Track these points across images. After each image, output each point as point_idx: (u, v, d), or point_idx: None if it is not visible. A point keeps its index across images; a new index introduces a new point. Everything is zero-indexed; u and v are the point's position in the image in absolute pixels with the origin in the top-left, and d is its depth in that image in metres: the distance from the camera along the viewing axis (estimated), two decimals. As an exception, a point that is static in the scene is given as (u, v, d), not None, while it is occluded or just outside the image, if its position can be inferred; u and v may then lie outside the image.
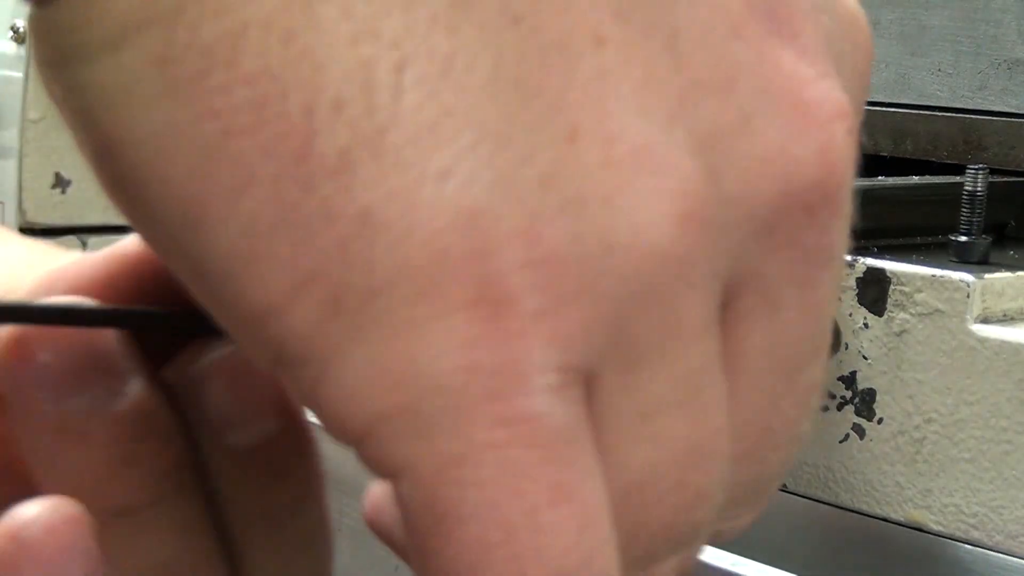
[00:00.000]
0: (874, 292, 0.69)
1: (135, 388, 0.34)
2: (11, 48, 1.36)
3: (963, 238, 0.71)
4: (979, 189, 0.71)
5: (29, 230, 1.31)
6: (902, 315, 0.68)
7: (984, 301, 0.67)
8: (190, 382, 0.34)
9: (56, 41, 0.26)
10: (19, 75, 1.33)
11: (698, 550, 0.29)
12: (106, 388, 0.34)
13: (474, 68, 0.25)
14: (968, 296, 0.66)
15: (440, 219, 0.25)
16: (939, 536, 0.68)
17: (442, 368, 0.25)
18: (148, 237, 0.27)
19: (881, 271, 0.69)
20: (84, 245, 1.33)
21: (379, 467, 0.26)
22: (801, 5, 0.28)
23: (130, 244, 0.35)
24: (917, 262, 0.69)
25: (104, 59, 0.25)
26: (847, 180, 0.28)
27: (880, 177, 0.80)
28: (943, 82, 0.88)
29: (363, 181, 0.25)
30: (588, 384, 0.26)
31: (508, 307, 0.25)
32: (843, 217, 0.28)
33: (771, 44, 0.27)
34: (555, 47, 0.26)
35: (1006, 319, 0.67)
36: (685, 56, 0.27)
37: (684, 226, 0.26)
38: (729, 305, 0.28)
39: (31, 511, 0.32)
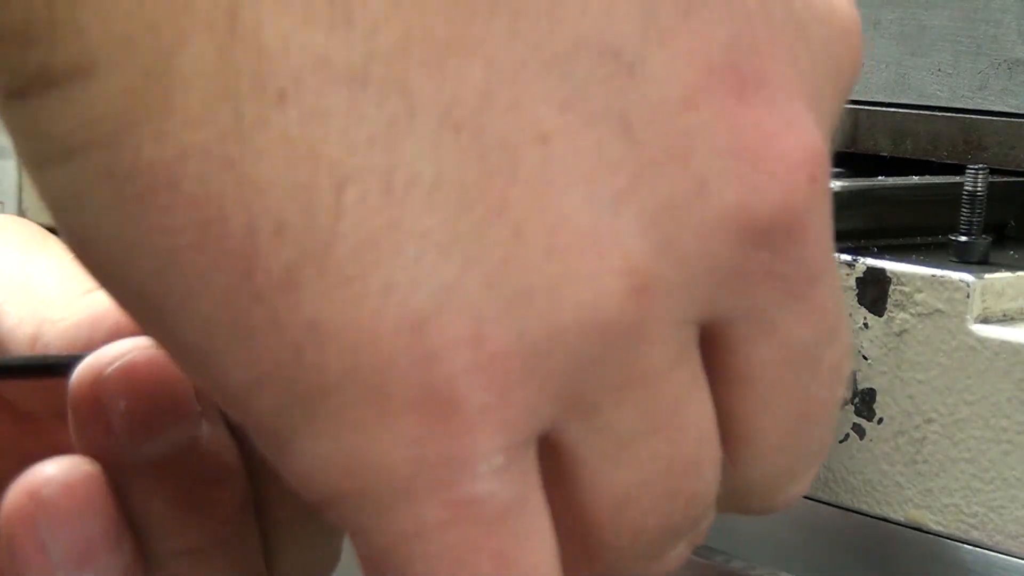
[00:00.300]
0: (874, 292, 0.69)
1: (208, 431, 0.34)
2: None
3: (963, 238, 0.71)
4: (979, 189, 0.71)
5: (29, 230, 1.31)
6: (902, 315, 0.68)
7: (984, 301, 0.67)
8: None
9: (18, 134, 0.26)
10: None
11: (707, 527, 0.30)
12: (181, 432, 0.34)
13: (416, 181, 0.26)
14: (968, 296, 0.66)
15: (385, 330, 0.26)
16: (939, 536, 0.68)
17: (391, 461, 0.26)
18: (123, 309, 0.28)
19: (881, 271, 0.69)
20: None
21: (338, 525, 0.27)
22: (774, 46, 0.28)
23: None
24: (917, 262, 0.69)
25: (58, 167, 0.26)
26: (815, 212, 0.28)
27: (880, 177, 0.80)
28: (943, 82, 0.88)
29: (309, 295, 0.25)
30: (550, 433, 0.27)
31: (454, 407, 0.26)
32: (818, 237, 0.28)
33: (731, 105, 0.28)
34: (497, 149, 0.26)
35: (1006, 319, 0.67)
36: (637, 136, 0.27)
37: (633, 299, 0.26)
38: (724, 333, 0.28)
39: (49, 469, 0.32)
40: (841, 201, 0.73)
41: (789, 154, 0.28)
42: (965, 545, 0.67)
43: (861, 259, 0.70)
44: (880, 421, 0.69)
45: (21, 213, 1.33)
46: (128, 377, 0.33)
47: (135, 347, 0.33)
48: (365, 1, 0.25)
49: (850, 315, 0.70)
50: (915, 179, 0.81)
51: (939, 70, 0.89)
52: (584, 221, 0.26)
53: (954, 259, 0.70)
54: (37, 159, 0.26)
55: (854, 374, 0.70)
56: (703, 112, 0.27)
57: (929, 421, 0.68)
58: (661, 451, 0.28)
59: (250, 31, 0.25)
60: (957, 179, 0.73)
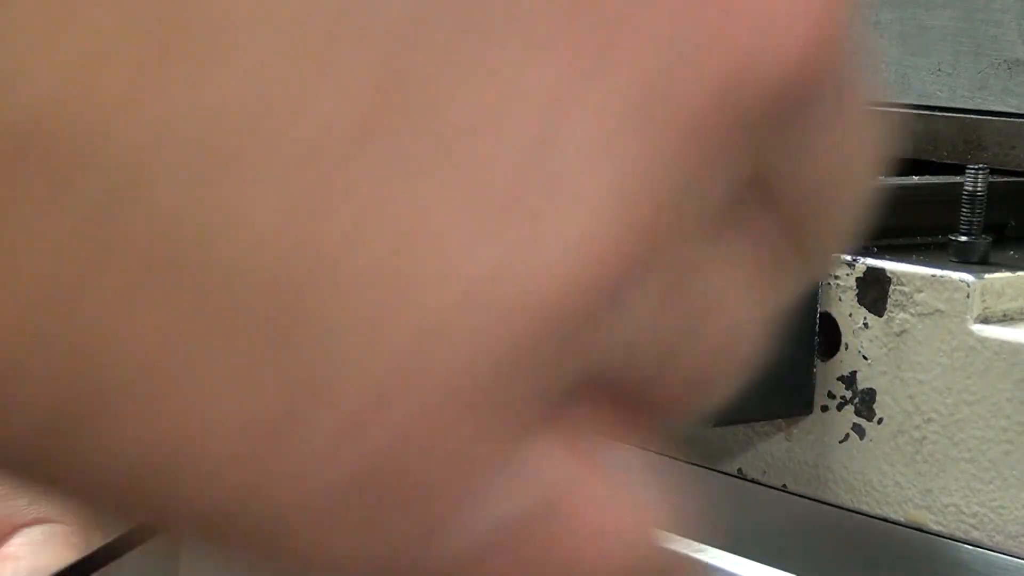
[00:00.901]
0: (874, 292, 0.69)
1: None
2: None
3: (963, 238, 0.71)
4: (979, 189, 0.71)
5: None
6: (902, 315, 0.68)
7: (984, 301, 0.67)
8: None
9: None
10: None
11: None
12: None
13: None
14: (968, 296, 0.66)
15: None
16: (939, 536, 0.68)
17: None
18: None
19: (881, 271, 0.69)
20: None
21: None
22: None
23: None
24: (917, 262, 0.69)
25: None
26: (842, 28, 0.20)
27: (880, 177, 0.80)
28: (943, 82, 0.89)
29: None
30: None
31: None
32: (844, 50, 0.20)
33: None
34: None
35: (1006, 319, 0.67)
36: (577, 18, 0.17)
37: (608, 257, 0.18)
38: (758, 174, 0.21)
39: None
40: (841, 201, 0.73)
41: None
42: (965, 545, 0.67)
43: (861, 259, 0.70)
44: (880, 421, 0.70)
45: None
46: None
47: None
48: None
49: (850, 315, 0.70)
50: (915, 179, 0.81)
51: (939, 70, 0.89)
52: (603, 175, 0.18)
53: (954, 259, 0.70)
54: None
55: (854, 374, 0.70)
56: None
57: (929, 421, 0.68)
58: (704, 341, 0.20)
59: None
60: (957, 179, 0.74)
